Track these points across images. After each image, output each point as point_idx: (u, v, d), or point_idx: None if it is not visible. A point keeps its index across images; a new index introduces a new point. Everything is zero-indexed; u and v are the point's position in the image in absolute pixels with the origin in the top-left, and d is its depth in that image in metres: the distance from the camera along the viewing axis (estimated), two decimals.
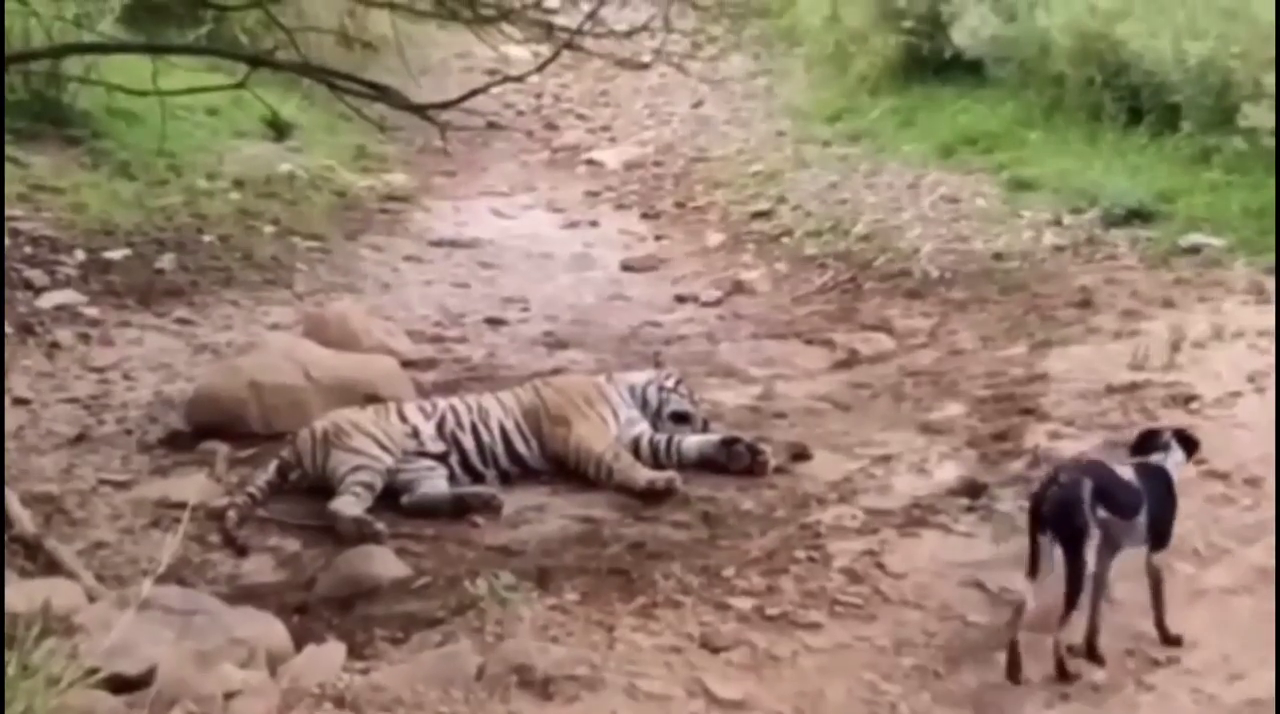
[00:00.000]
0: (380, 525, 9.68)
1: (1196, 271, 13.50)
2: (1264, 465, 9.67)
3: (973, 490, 9.83)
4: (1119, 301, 13.10)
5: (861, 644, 8.03)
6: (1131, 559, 8.12)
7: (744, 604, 8.38)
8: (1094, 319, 12.81)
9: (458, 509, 10.06)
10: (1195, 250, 13.84)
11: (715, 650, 7.93)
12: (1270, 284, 12.80)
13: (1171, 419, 10.49)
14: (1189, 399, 10.92)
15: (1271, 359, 11.34)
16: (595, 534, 9.66)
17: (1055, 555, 7.75)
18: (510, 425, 10.66)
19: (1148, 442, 8.32)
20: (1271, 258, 13.19)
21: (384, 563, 9.22)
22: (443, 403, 10.82)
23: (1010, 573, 8.55)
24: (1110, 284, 13.56)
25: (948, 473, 10.23)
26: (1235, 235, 13.84)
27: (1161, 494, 8.05)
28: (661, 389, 11.03)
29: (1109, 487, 7.85)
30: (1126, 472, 8.01)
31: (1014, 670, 7.73)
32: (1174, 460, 8.20)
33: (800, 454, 10.72)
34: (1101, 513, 7.78)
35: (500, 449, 10.59)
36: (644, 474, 10.32)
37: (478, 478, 10.46)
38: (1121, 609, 8.32)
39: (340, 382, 11.38)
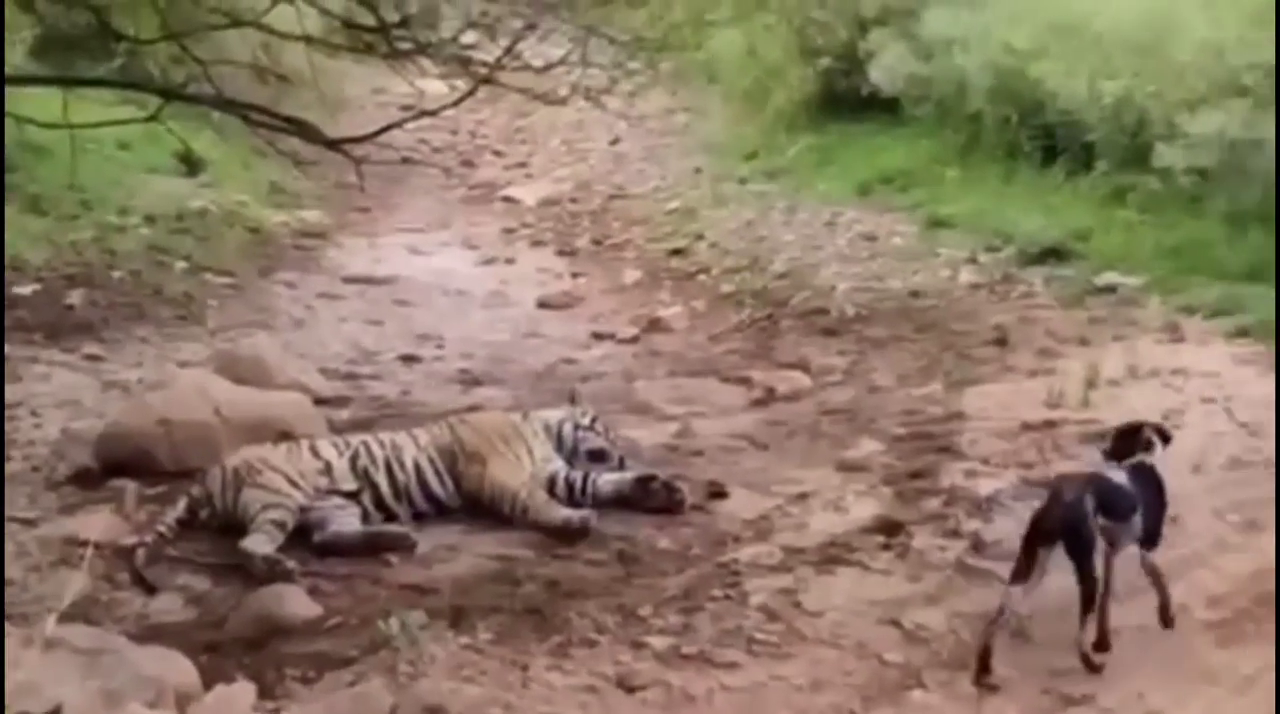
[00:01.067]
0: (292, 564, 9.54)
1: (1111, 310, 13.57)
2: (1179, 504, 9.62)
3: (889, 528, 9.79)
4: (1035, 340, 13.15)
5: (778, 683, 7.97)
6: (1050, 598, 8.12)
7: (660, 643, 8.32)
8: (1010, 357, 12.86)
9: (370, 547, 9.92)
10: (1110, 289, 13.92)
11: (631, 690, 7.87)
12: (1184, 323, 12.89)
13: (1087, 459, 10.53)
14: (1104, 437, 10.89)
15: (1185, 397, 11.45)
16: (510, 573, 9.51)
17: (1048, 565, 7.96)
18: (425, 463, 10.54)
19: (1129, 440, 8.45)
20: (1185, 297, 13.30)
21: (295, 602, 9.07)
22: (356, 440, 10.70)
23: (927, 611, 8.57)
24: (1026, 322, 13.61)
25: (864, 511, 10.17)
26: (1150, 274, 13.92)
27: (1153, 493, 8.29)
28: (577, 427, 10.93)
29: (1108, 495, 8.07)
30: (1121, 477, 8.21)
31: (982, 673, 7.88)
32: (1158, 457, 8.40)
33: (717, 492, 10.64)
34: (1102, 521, 8.00)
35: (414, 487, 10.47)
36: (559, 512, 10.22)
37: (391, 516, 10.33)
38: (1038, 648, 8.30)
39: (252, 419, 11.23)
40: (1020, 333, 13.34)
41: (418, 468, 10.50)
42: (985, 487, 10.31)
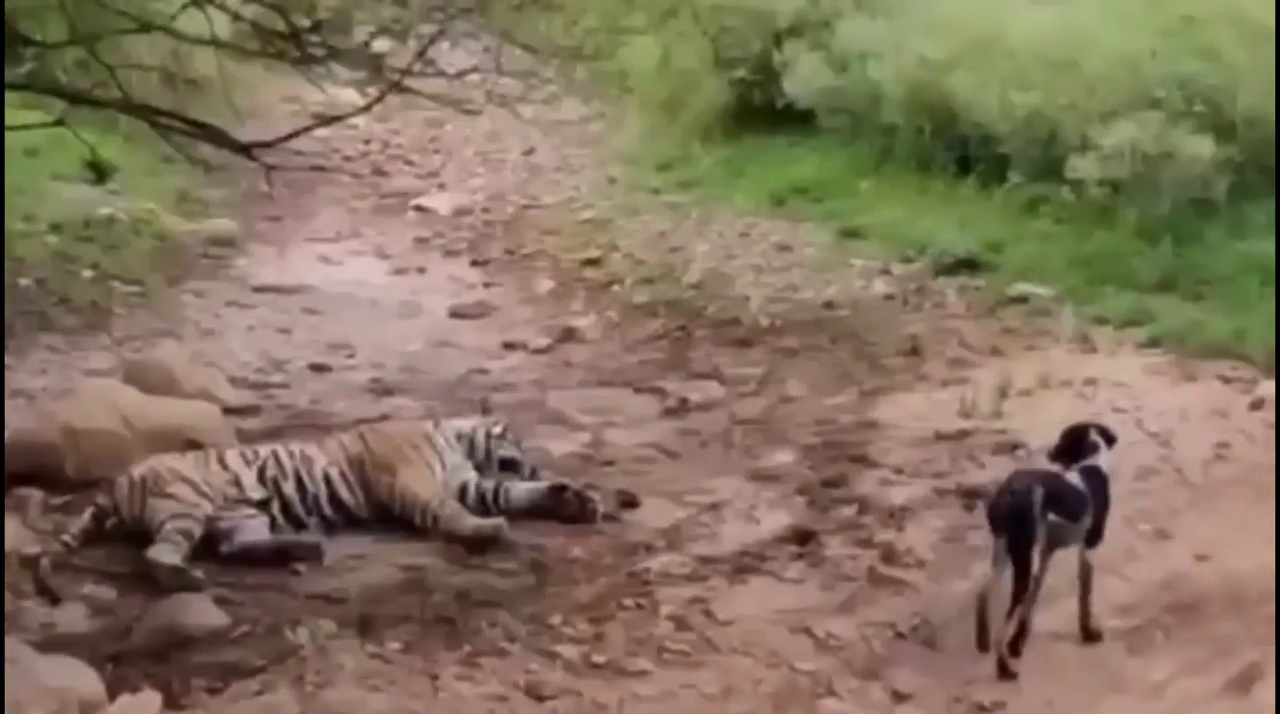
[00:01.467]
0: (198, 574, 9.43)
1: (1024, 321, 13.62)
2: None
3: (802, 538, 9.82)
4: (947, 350, 13.17)
5: (689, 692, 7.97)
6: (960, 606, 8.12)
7: (571, 652, 8.32)
8: (923, 367, 12.88)
9: (279, 557, 9.82)
10: (1023, 300, 13.95)
11: (541, 699, 7.87)
12: (1096, 333, 12.95)
13: (998, 467, 10.58)
14: (1016, 447, 11.02)
15: (1096, 407, 11.48)
16: (420, 582, 9.45)
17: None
18: (334, 473, 10.44)
19: (1076, 442, 8.60)
20: (1098, 307, 13.37)
21: (202, 612, 8.96)
22: (265, 450, 10.58)
23: (839, 619, 8.58)
24: (939, 333, 13.64)
25: (777, 520, 10.19)
26: (1062, 285, 13.96)
27: (1100, 494, 8.48)
28: (489, 436, 10.86)
29: (1063, 494, 8.30)
30: (1074, 478, 8.42)
31: (983, 638, 8.16)
32: (1105, 459, 8.61)
33: (629, 502, 10.60)
34: (1052, 517, 8.20)
35: (324, 497, 10.36)
36: (470, 521, 10.14)
37: (300, 526, 10.22)
38: (948, 656, 8.32)
39: (160, 428, 11.10)
40: (933, 343, 13.36)
41: (327, 478, 10.39)
42: (898, 496, 10.34)
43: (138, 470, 10.17)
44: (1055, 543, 8.35)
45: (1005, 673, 8.05)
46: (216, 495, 10.06)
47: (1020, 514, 8.14)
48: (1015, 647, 8.18)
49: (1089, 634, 8.45)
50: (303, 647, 8.20)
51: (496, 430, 10.90)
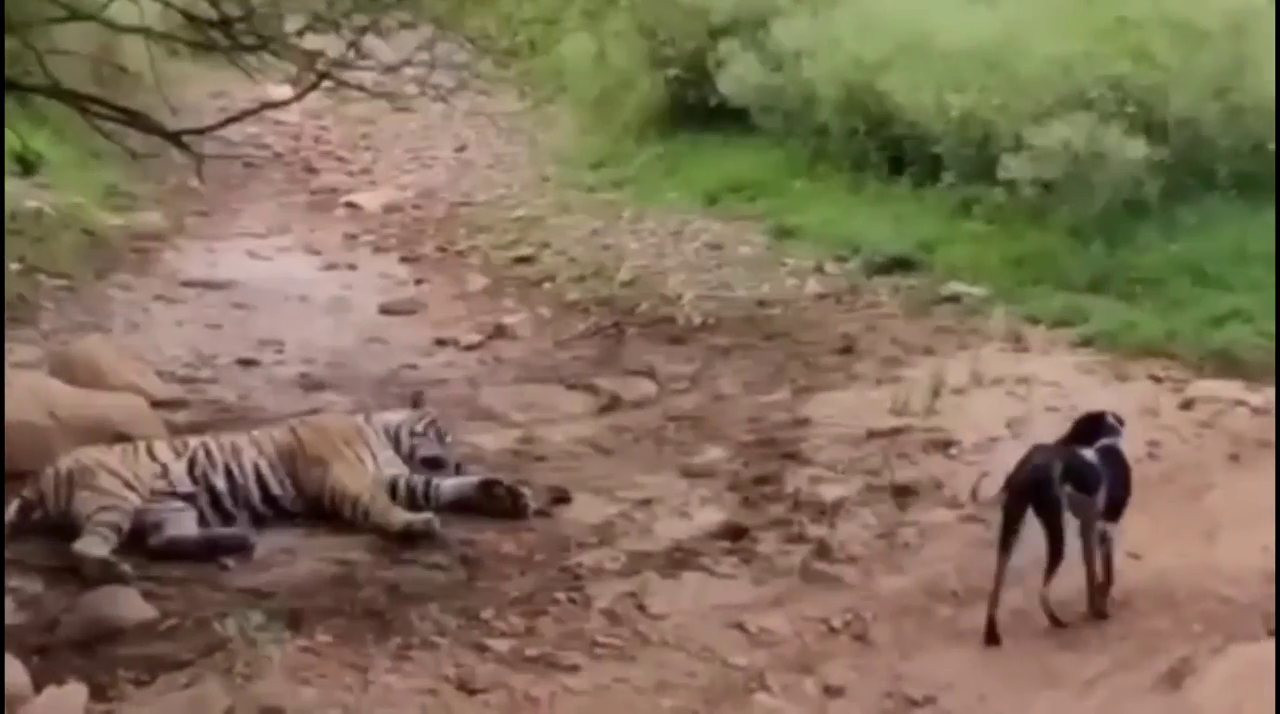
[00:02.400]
0: (126, 566, 9.33)
1: (957, 320, 13.66)
2: None
3: (734, 533, 9.79)
4: (880, 348, 13.18)
5: (621, 686, 7.93)
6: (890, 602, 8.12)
7: (502, 646, 8.28)
8: (856, 366, 12.88)
9: (207, 551, 9.73)
10: (955, 299, 14.00)
11: (472, 692, 7.83)
12: (1028, 332, 12.97)
13: (931, 465, 10.60)
14: (948, 444, 11.04)
15: (1028, 406, 11.55)
16: (350, 576, 9.38)
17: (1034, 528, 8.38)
18: (265, 466, 10.34)
19: (1092, 427, 8.83)
20: (1031, 307, 13.42)
21: (129, 605, 8.87)
22: (195, 442, 10.47)
23: (771, 614, 8.57)
24: (872, 331, 13.65)
25: (710, 516, 10.15)
26: (994, 284, 14.02)
27: (1118, 471, 8.71)
28: (413, 432, 10.79)
29: (1079, 469, 8.52)
30: (1090, 455, 8.63)
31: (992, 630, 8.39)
32: (1123, 441, 8.90)
33: (561, 497, 10.55)
34: (1071, 490, 8.43)
35: (253, 490, 10.26)
36: (400, 517, 10.06)
37: (229, 519, 10.12)
38: (880, 651, 8.33)
39: (86, 421, 10.98)
40: (866, 341, 13.37)
41: (257, 471, 10.30)
42: (830, 492, 10.32)
43: (64, 463, 10.06)
44: (1079, 518, 8.58)
45: (1056, 623, 8.45)
46: (145, 488, 9.95)
47: (1042, 486, 8.40)
48: (1101, 610, 8.61)
49: (1099, 613, 8.65)
50: (231, 640, 8.13)
51: (419, 427, 10.82)
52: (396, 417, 10.91)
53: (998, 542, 8.46)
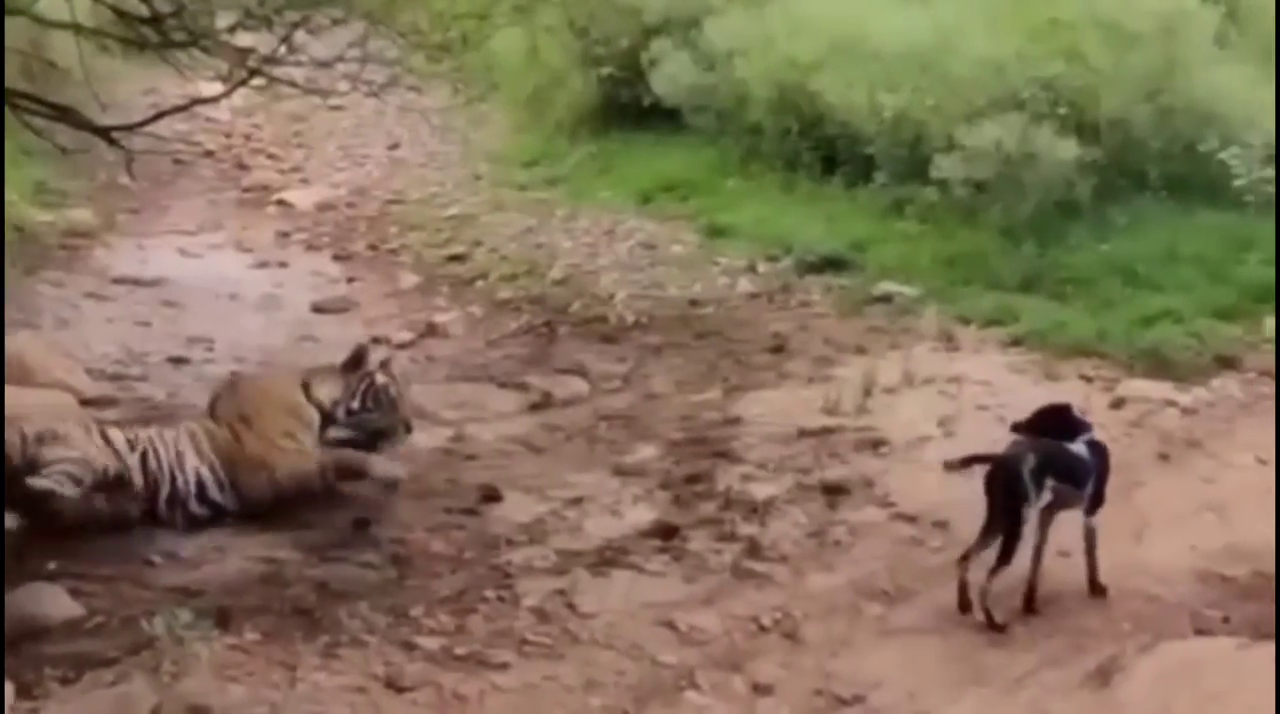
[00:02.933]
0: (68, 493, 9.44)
1: (888, 319, 13.68)
2: (951, 508, 9.77)
3: (665, 532, 9.78)
4: (812, 348, 13.19)
5: (550, 684, 7.92)
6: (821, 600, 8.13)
7: (431, 644, 8.26)
8: (787, 365, 12.88)
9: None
10: (887, 298, 14.01)
11: (400, 690, 7.81)
12: (960, 332, 13.00)
13: (862, 464, 10.62)
14: (879, 444, 11.06)
15: (959, 405, 11.60)
16: (279, 574, 9.34)
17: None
18: (205, 472, 10.25)
19: (1059, 420, 9.00)
20: (962, 306, 13.46)
21: (56, 602, 8.81)
22: (144, 436, 10.36)
23: (701, 612, 8.57)
24: (804, 331, 13.66)
25: (640, 515, 10.16)
26: (926, 284, 14.05)
27: (1104, 466, 8.95)
28: (350, 412, 10.69)
29: (1069, 463, 8.77)
30: (1079, 448, 8.85)
31: (964, 603, 8.60)
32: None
33: (492, 496, 10.52)
34: (1056, 484, 8.66)
35: (193, 497, 10.19)
36: (379, 466, 10.38)
37: (164, 522, 10.06)
38: (809, 649, 8.33)
39: (13, 418, 10.89)
40: (798, 341, 13.38)
41: (198, 477, 10.22)
42: (761, 491, 10.33)
43: (34, 427, 9.97)
44: (1058, 506, 8.77)
45: (994, 626, 8.45)
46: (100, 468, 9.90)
47: (1010, 481, 8.55)
48: (1030, 604, 8.68)
49: (1096, 589, 8.85)
50: (159, 638, 8.08)
51: (355, 403, 10.68)
52: (334, 391, 10.80)
53: (980, 531, 8.65)
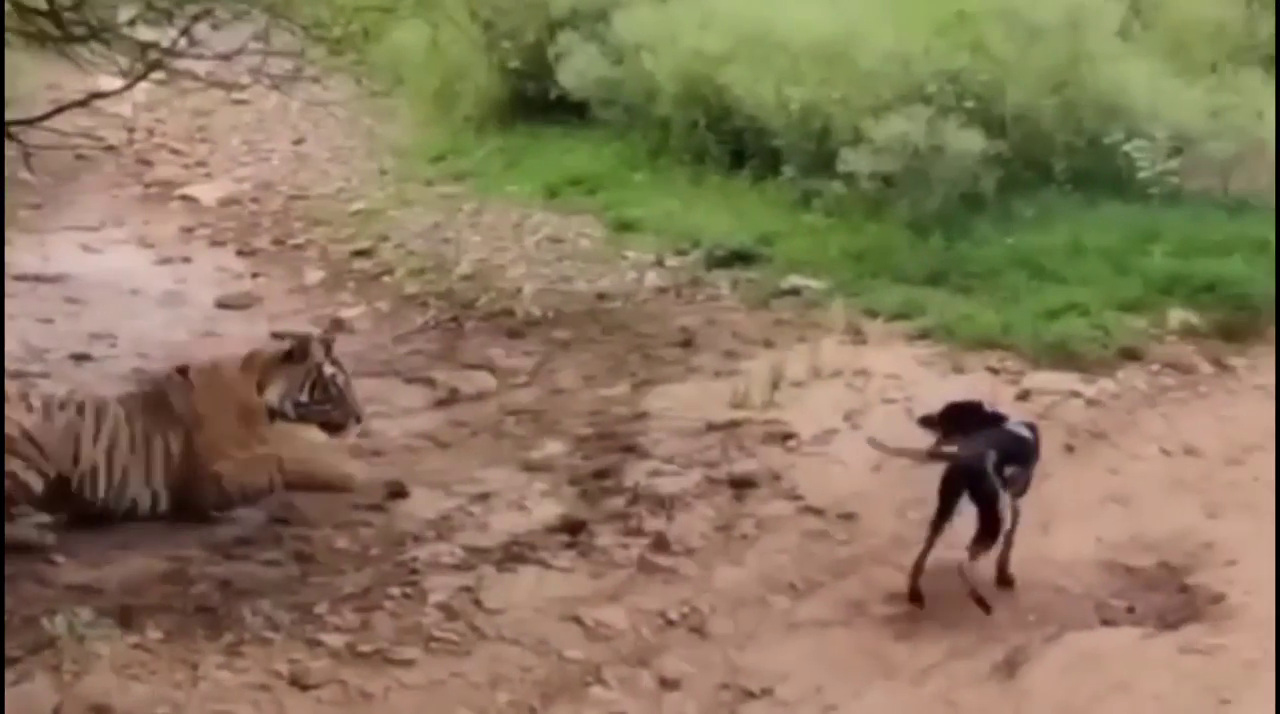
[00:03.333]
0: None
1: (796, 312, 13.65)
2: (859, 501, 9.81)
3: (572, 527, 9.76)
4: (720, 341, 13.16)
5: (457, 680, 7.91)
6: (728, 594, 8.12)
7: (336, 641, 8.22)
8: (695, 359, 12.85)
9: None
10: (795, 292, 13.99)
11: (305, 688, 7.78)
12: (867, 325, 13.01)
13: (769, 457, 10.62)
14: (787, 437, 11.05)
15: (866, 398, 11.62)
16: (181, 572, 9.25)
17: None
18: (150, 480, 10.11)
19: (963, 415, 9.24)
20: (869, 300, 13.45)
21: None
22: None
23: (608, 608, 8.57)
24: (711, 324, 13.62)
25: (548, 510, 10.12)
26: (834, 278, 14.02)
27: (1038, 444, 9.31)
28: (298, 405, 10.46)
29: (1015, 447, 9.03)
30: (1023, 430, 9.20)
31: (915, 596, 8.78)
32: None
33: (398, 492, 10.46)
34: (1011, 470, 8.89)
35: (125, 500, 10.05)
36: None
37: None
38: (716, 643, 8.34)
39: None
40: (706, 335, 13.34)
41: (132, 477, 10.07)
42: (669, 485, 10.31)
43: None
44: (1018, 491, 9.01)
45: (983, 605, 8.62)
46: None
47: (978, 481, 8.76)
48: (1005, 579, 8.93)
49: (1004, 579, 8.95)
50: (60, 637, 8.01)
51: (304, 396, 10.45)
52: (280, 384, 10.51)
53: (931, 522, 8.81)
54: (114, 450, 10.03)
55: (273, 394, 10.48)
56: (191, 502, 10.11)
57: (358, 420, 10.62)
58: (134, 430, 10.15)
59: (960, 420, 9.17)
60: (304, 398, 10.48)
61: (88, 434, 10.03)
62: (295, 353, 10.55)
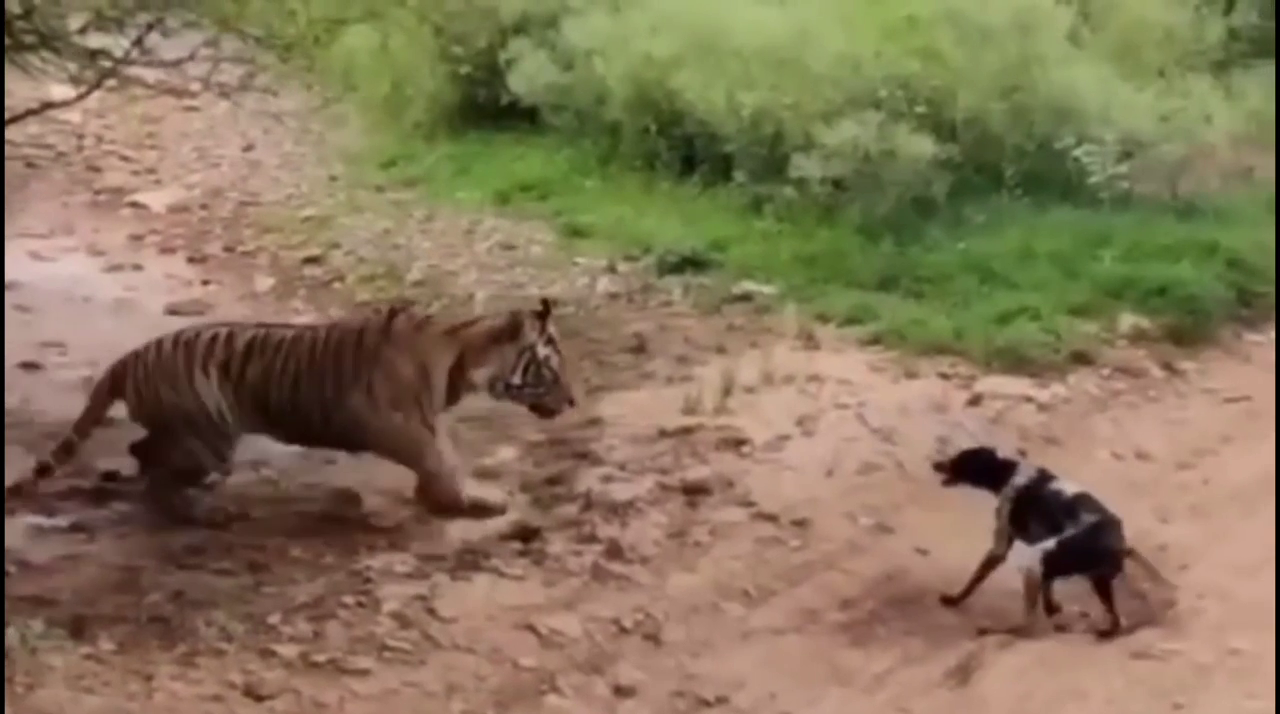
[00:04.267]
0: None
1: (748, 318, 13.64)
2: (811, 507, 9.82)
3: (525, 535, 9.74)
4: (672, 347, 13.15)
5: (411, 689, 7.91)
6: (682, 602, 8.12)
7: (290, 651, 8.22)
8: (647, 365, 12.83)
9: None
10: (747, 297, 13.98)
11: (259, 699, 7.78)
12: (819, 331, 13.02)
13: (722, 464, 10.61)
14: (739, 443, 11.06)
15: (819, 404, 11.61)
16: (134, 582, 9.22)
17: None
18: None
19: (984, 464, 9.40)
20: (821, 305, 13.45)
21: None
22: None
23: (562, 615, 8.58)
24: (664, 331, 13.61)
25: (501, 518, 10.07)
26: (786, 283, 14.01)
27: None
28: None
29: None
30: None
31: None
32: None
33: (350, 500, 10.43)
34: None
35: None
36: None
37: None
38: (672, 651, 8.33)
39: None
40: (658, 341, 13.33)
41: None
42: (622, 492, 10.30)
43: None
44: None
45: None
46: None
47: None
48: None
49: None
50: (12, 648, 7.94)
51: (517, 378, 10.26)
52: (491, 372, 10.24)
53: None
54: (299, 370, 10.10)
55: (481, 376, 10.20)
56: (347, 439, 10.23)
57: (571, 404, 10.33)
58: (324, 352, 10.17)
59: (971, 467, 9.28)
60: (516, 381, 10.18)
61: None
62: (507, 331, 10.21)
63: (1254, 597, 8.87)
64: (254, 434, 10.42)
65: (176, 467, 10.06)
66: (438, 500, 10.02)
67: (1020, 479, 9.11)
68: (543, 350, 10.14)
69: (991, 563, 8.97)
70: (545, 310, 10.34)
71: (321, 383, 10.06)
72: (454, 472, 10.08)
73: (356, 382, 10.01)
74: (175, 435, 10.06)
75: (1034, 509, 8.97)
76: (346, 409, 10.04)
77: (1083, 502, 8.99)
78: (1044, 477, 9.20)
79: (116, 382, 10.54)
